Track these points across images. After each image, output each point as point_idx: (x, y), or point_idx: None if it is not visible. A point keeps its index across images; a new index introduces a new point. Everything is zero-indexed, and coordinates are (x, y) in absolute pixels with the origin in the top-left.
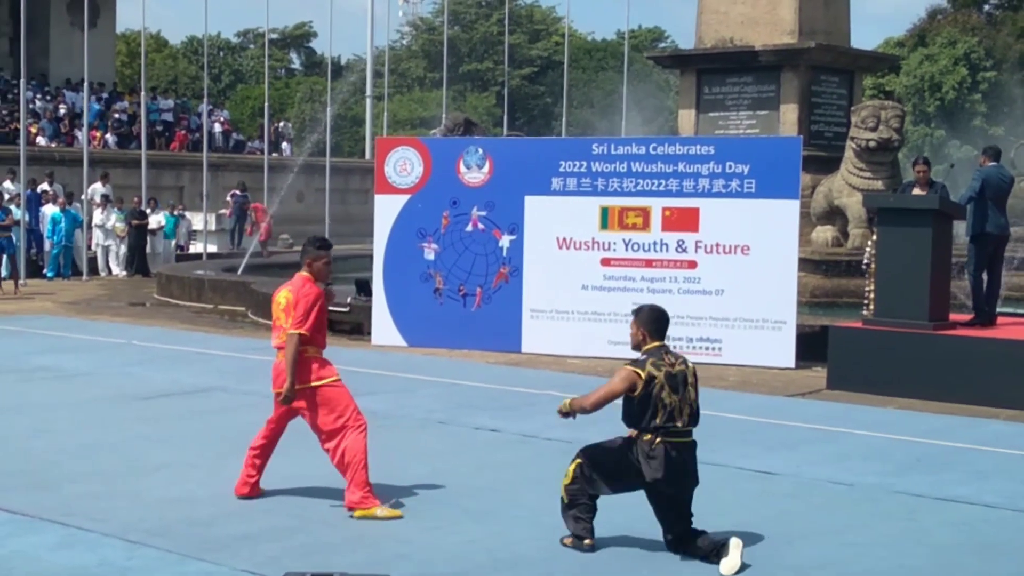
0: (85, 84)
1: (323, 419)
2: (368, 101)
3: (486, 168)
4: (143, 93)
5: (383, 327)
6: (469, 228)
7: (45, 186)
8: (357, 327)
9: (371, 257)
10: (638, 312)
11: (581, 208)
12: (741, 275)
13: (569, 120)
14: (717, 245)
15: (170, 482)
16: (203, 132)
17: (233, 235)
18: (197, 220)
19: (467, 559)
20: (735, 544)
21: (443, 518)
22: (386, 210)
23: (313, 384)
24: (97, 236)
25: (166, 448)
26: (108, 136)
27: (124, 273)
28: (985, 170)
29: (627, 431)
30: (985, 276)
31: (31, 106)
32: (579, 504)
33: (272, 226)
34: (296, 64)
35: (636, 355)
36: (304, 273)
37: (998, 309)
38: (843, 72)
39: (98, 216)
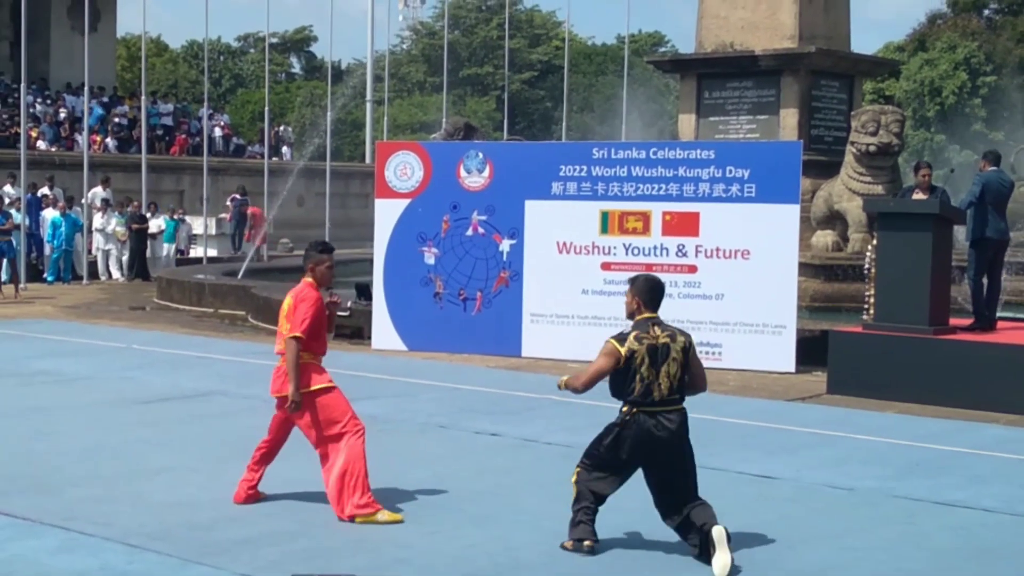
0: (86, 88)
1: (318, 425)
2: (368, 105)
3: (486, 172)
4: (143, 97)
5: (383, 331)
6: (469, 232)
7: (45, 190)
8: (357, 331)
9: (371, 261)
10: (634, 281)
11: (581, 212)
12: (741, 279)
13: (569, 124)
14: (717, 249)
15: (171, 486)
16: (203, 136)
17: (233, 239)
18: (197, 224)
19: (468, 563)
20: (718, 537)
21: (444, 522)
22: (386, 214)
23: (311, 389)
24: (97, 240)
25: (166, 452)
26: (108, 140)
27: (124, 277)
28: (985, 175)
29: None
30: (985, 281)
31: (31, 110)
32: (582, 507)
33: (265, 230)
34: (296, 68)
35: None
36: (307, 278)
37: (998, 314)
38: (843, 77)
39: (98, 220)
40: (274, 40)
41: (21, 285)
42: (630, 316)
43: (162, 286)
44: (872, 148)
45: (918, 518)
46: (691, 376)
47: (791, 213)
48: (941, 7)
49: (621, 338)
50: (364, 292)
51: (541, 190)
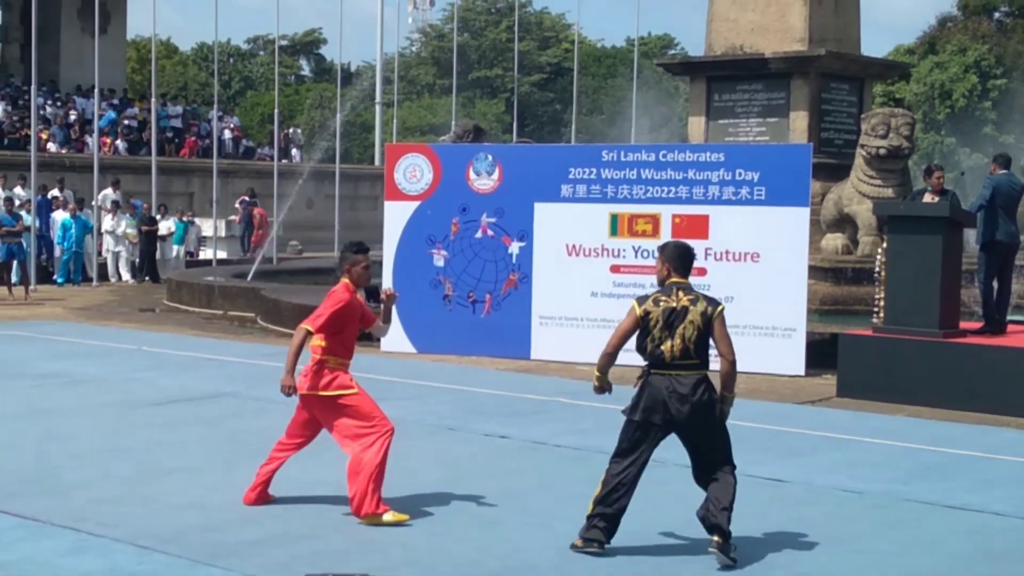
0: (96, 90)
1: (344, 424)
2: (377, 108)
3: (495, 175)
4: (153, 99)
5: (392, 333)
6: (479, 235)
7: (55, 192)
8: (366, 333)
9: (380, 263)
10: (664, 248)
11: (591, 215)
12: (751, 282)
13: (578, 127)
14: (727, 252)
15: (180, 488)
16: (213, 138)
17: (242, 241)
18: (207, 226)
19: (477, 566)
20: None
21: (453, 524)
22: (396, 217)
23: (332, 393)
24: (107, 242)
25: (176, 454)
26: (118, 142)
27: (134, 279)
28: (996, 178)
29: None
30: (995, 284)
31: (41, 112)
32: (599, 513)
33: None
34: (306, 71)
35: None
36: (344, 279)
37: (1008, 317)
38: (853, 79)
39: (108, 222)
40: (283, 42)
41: (31, 287)
42: (660, 283)
43: (172, 288)
44: (882, 151)
45: (928, 522)
46: (717, 344)
47: (801, 216)
48: (951, 10)
49: (642, 299)
50: (373, 294)
51: (550, 192)
